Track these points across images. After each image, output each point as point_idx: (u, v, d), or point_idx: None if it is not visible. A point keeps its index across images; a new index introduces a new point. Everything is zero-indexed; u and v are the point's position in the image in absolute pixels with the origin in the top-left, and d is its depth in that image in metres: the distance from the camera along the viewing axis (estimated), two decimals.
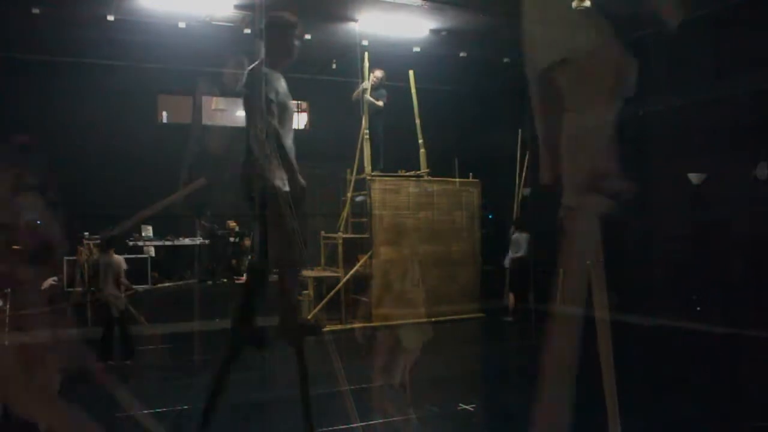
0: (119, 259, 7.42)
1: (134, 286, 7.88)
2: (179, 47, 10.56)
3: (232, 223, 11.88)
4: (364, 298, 9.77)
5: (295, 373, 3.57)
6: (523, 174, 11.78)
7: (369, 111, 10.03)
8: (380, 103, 10.12)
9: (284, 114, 3.61)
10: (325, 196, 11.58)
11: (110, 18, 9.67)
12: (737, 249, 9.06)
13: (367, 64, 10.12)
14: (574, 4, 2.59)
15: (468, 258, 10.87)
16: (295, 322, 3.61)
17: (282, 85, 3.66)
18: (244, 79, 3.61)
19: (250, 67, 3.60)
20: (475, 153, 11.59)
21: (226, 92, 11.91)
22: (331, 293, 9.39)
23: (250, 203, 3.58)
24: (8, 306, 4.17)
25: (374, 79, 10.13)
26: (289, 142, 3.61)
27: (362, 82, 10.04)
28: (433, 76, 11.62)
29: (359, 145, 10.11)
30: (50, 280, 4.25)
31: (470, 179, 11.07)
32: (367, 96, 9.99)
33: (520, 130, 11.65)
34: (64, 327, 4.21)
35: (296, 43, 3.72)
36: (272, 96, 3.52)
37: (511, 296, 10.60)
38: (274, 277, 3.65)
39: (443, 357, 7.65)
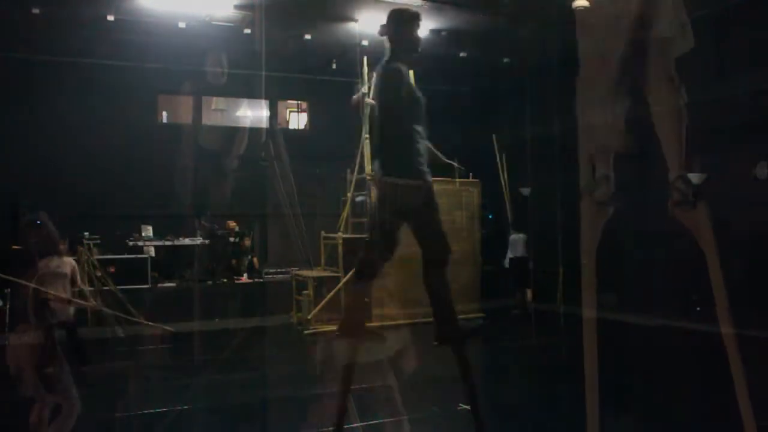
0: (67, 260, 6.21)
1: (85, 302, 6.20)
2: (179, 47, 10.56)
3: (232, 223, 11.88)
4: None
5: (459, 377, 3.51)
6: (505, 175, 11.91)
7: (370, 113, 10.06)
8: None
9: (418, 108, 3.65)
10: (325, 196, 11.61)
11: (110, 18, 9.67)
12: (737, 249, 9.05)
13: (366, 69, 10.12)
14: (573, 5, 2.60)
15: (468, 258, 10.87)
16: (456, 321, 3.63)
17: (411, 79, 3.72)
18: (377, 77, 3.67)
19: (382, 64, 3.64)
20: (475, 153, 11.60)
21: (212, 91, 11.96)
22: (331, 293, 9.39)
23: (391, 202, 3.60)
24: (8, 306, 4.17)
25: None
26: (423, 136, 3.65)
27: (362, 86, 10.06)
28: (433, 76, 11.62)
29: (360, 147, 10.12)
30: None
31: (470, 179, 11.07)
32: (368, 100, 10.00)
33: (494, 135, 11.83)
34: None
35: (419, 35, 3.77)
36: (405, 91, 3.56)
37: (518, 292, 11.05)
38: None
39: (443, 357, 7.64)
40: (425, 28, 10.96)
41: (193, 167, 10.63)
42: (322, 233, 10.57)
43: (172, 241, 11.27)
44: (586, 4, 2.81)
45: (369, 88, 10.11)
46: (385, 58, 3.63)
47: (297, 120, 14.83)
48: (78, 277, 6.15)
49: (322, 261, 10.49)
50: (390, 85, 3.55)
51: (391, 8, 3.73)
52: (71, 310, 6.21)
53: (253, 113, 13.76)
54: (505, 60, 12.22)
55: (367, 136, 10.01)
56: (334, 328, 9.19)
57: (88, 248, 9.60)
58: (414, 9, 3.80)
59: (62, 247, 5.96)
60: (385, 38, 3.66)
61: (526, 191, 12.05)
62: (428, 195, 3.62)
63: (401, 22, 3.69)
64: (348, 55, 10.95)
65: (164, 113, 12.59)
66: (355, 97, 10.23)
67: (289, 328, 9.94)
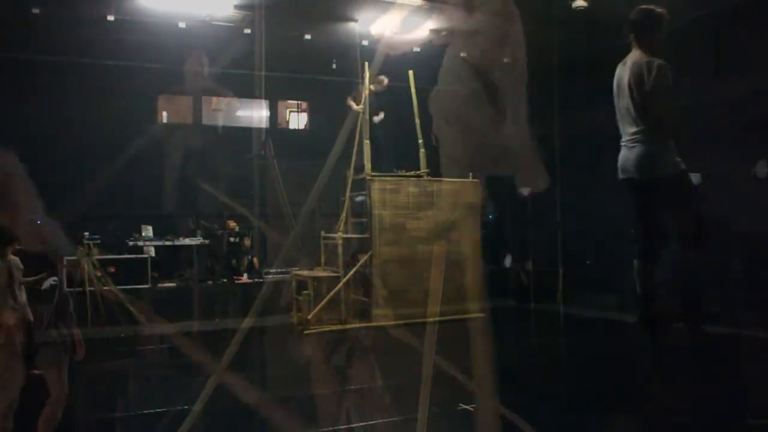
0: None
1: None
2: (179, 47, 10.56)
3: (232, 223, 11.88)
4: (364, 298, 9.78)
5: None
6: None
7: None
8: (378, 117, 10.24)
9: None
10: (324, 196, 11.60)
11: (110, 18, 9.67)
12: (737, 248, 9.05)
13: (367, 74, 10.12)
14: (573, 5, 2.61)
15: (468, 258, 10.86)
16: (699, 303, 3.89)
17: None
18: (638, 69, 4.05)
19: (641, 59, 4.03)
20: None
21: (189, 90, 11.96)
22: (331, 293, 9.39)
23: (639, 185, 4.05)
24: None
25: (379, 88, 10.18)
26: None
27: (361, 87, 10.08)
28: (433, 76, 11.60)
29: (356, 148, 10.12)
30: (50, 281, 4.23)
31: (470, 179, 11.06)
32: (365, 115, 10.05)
33: None
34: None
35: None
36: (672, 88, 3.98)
37: None
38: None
39: (443, 357, 7.63)
40: (425, 28, 10.97)
41: (193, 167, 10.63)
42: (322, 233, 10.57)
43: (172, 241, 11.27)
44: (586, 4, 2.83)
45: (376, 84, 10.15)
46: (637, 54, 3.97)
47: (297, 120, 14.83)
48: None
49: (322, 261, 10.49)
50: (664, 81, 3.98)
51: (639, 8, 4.09)
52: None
53: (253, 113, 13.76)
54: (506, 60, 12.22)
55: (367, 141, 10.01)
56: (334, 328, 9.20)
57: (88, 248, 9.60)
58: (660, 9, 4.10)
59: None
60: (630, 36, 4.01)
61: (525, 191, 12.03)
62: (687, 183, 4.12)
63: (653, 21, 4.07)
64: (348, 55, 10.95)
65: (164, 113, 12.59)
66: (354, 108, 10.28)
67: (289, 328, 9.93)
